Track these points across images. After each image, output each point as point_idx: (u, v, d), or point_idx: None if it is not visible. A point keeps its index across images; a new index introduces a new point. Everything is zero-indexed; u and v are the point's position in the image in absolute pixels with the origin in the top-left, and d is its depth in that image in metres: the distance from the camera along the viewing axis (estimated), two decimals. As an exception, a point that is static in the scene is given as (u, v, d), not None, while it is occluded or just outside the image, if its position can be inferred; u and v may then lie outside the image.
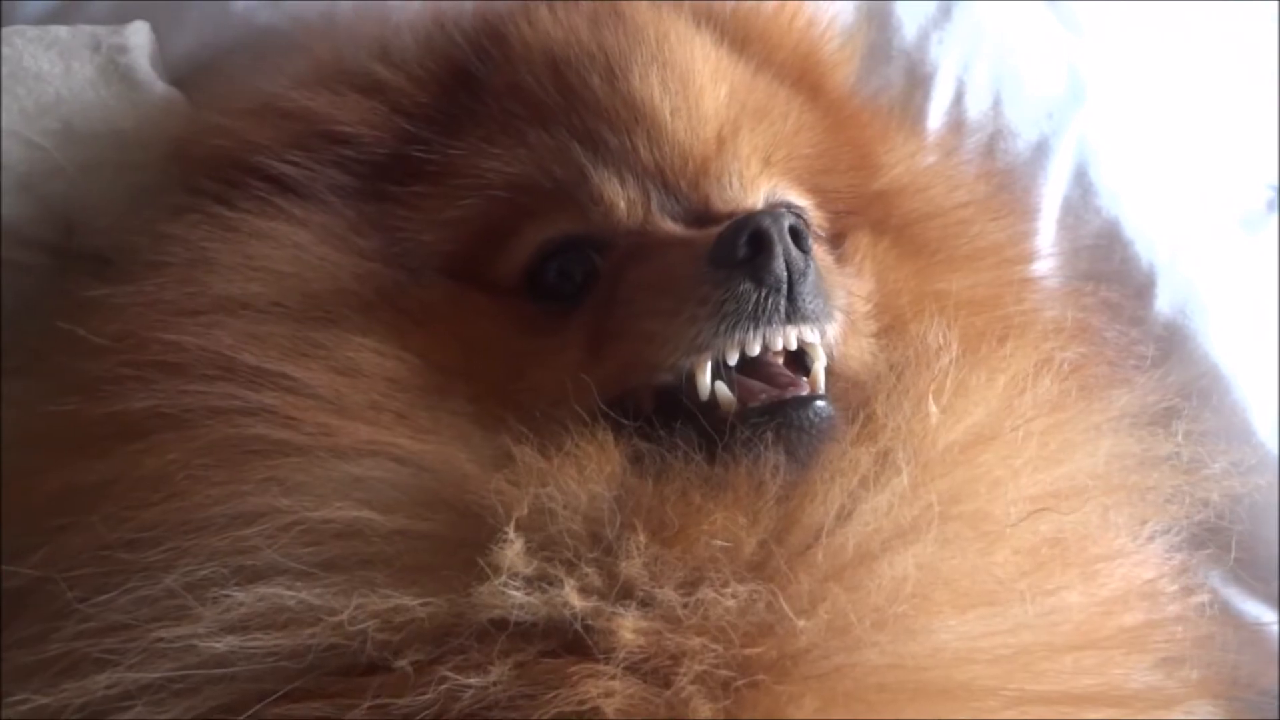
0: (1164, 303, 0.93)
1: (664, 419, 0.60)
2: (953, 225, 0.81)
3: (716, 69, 0.72)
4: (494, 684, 0.52)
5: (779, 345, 0.61)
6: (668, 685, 0.52)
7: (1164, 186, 0.99)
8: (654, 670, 0.53)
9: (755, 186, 0.70)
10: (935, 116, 0.94)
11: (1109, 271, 0.93)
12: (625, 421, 0.60)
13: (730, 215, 0.67)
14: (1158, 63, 1.13)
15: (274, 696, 0.53)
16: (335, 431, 0.59)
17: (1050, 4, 1.08)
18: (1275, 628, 0.89)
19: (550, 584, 0.54)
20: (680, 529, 0.55)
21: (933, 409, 0.61)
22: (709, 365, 0.60)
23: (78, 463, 0.60)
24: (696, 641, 0.53)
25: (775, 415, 0.59)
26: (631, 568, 0.54)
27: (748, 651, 0.53)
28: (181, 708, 0.54)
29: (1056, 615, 0.60)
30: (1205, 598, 0.78)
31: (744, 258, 0.60)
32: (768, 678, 0.53)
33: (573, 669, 0.52)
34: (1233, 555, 0.79)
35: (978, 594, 0.57)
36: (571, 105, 0.70)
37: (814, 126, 0.76)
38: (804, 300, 0.61)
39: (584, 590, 0.54)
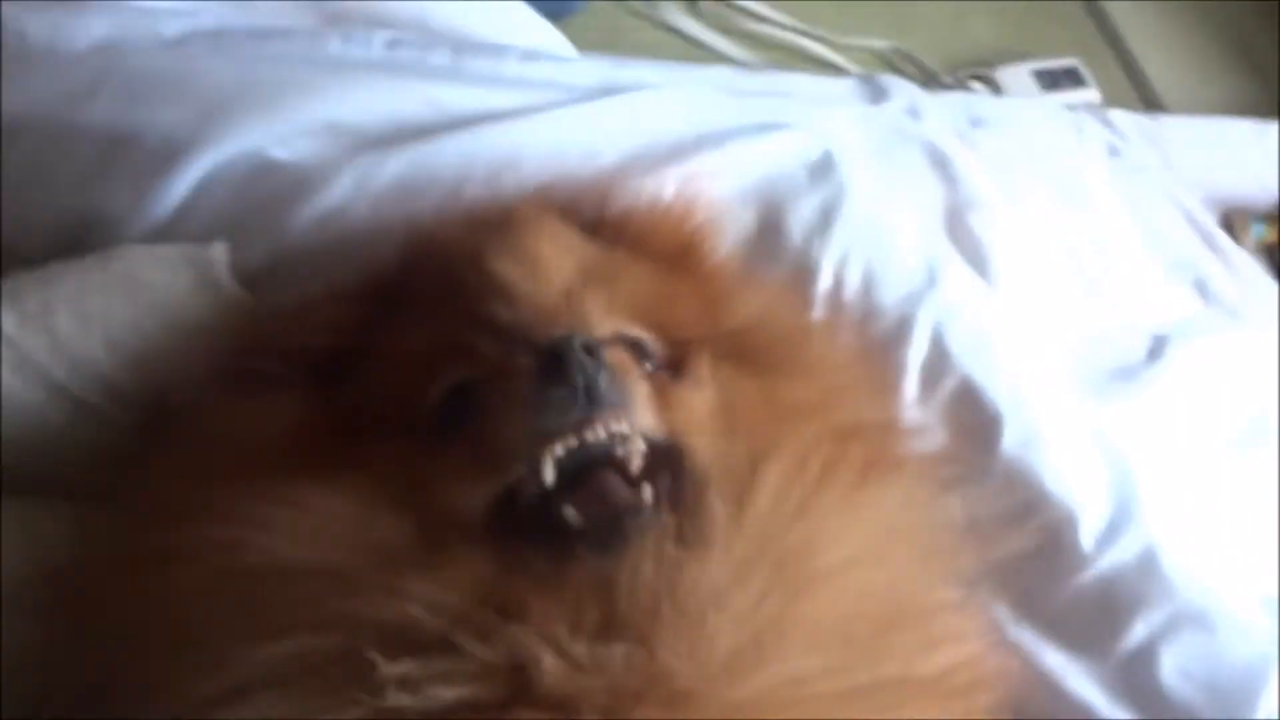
0: (1009, 440, 1.16)
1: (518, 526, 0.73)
2: (790, 348, 0.99)
3: (566, 248, 0.91)
4: None
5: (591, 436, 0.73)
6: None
7: (1011, 343, 1.25)
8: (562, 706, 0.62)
9: (602, 328, 0.82)
10: (819, 298, 1.21)
11: (965, 415, 1.18)
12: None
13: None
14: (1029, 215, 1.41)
15: None
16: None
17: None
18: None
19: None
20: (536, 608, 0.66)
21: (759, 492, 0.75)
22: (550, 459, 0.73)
23: None
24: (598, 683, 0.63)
25: (604, 524, 0.70)
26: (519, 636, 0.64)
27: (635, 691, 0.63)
28: None
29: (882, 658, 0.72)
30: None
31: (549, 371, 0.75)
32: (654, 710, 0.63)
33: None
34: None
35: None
36: (457, 294, 0.89)
37: (660, 283, 0.94)
38: (602, 393, 0.73)
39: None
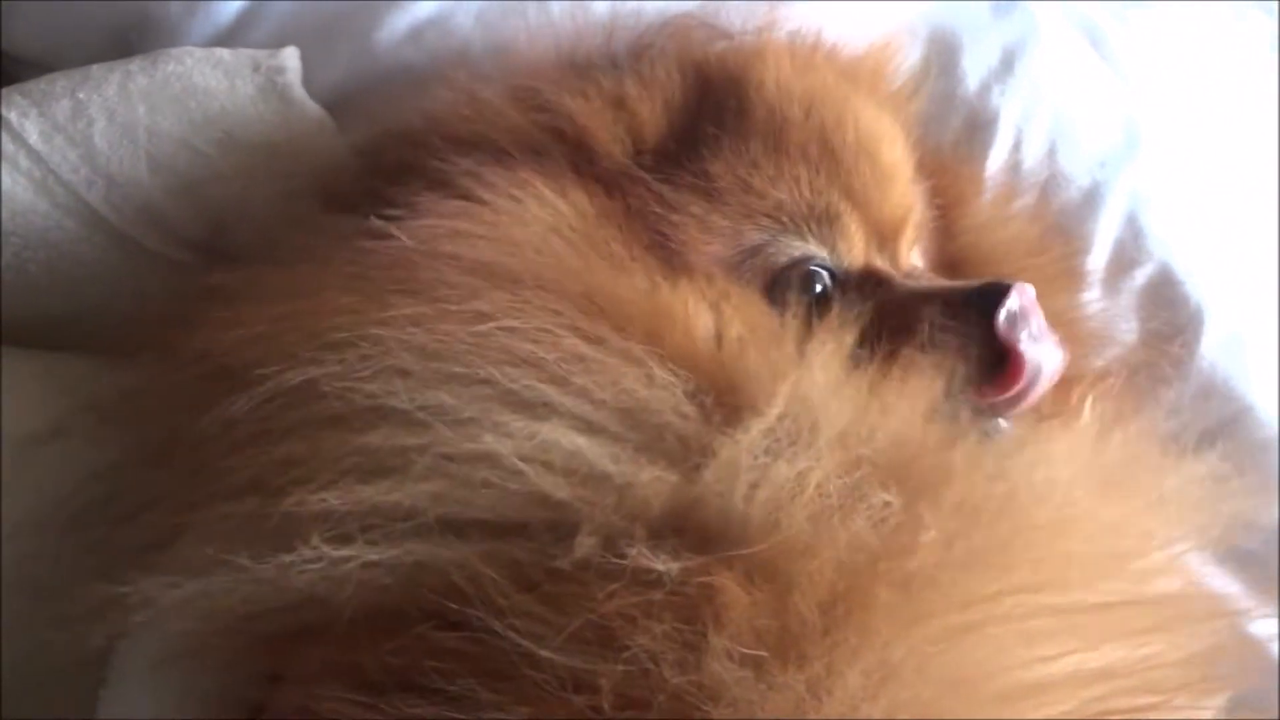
0: (1210, 341, 0.98)
1: None
2: (998, 260, 0.90)
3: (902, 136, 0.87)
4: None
5: None
6: None
7: (1212, 232, 1.05)
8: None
9: (910, 253, 0.85)
10: (994, 162, 1.02)
11: (1160, 310, 1.00)
12: None
13: (909, 274, 0.83)
14: (1213, 113, 1.20)
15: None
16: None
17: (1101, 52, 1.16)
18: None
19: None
20: None
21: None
22: None
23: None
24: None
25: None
26: None
27: None
28: (429, 543, 0.56)
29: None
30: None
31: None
32: None
33: None
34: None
35: None
36: (827, 151, 0.81)
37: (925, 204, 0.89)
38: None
39: None
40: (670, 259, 0.76)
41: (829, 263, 0.80)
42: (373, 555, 0.57)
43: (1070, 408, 0.77)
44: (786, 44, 0.90)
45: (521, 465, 0.57)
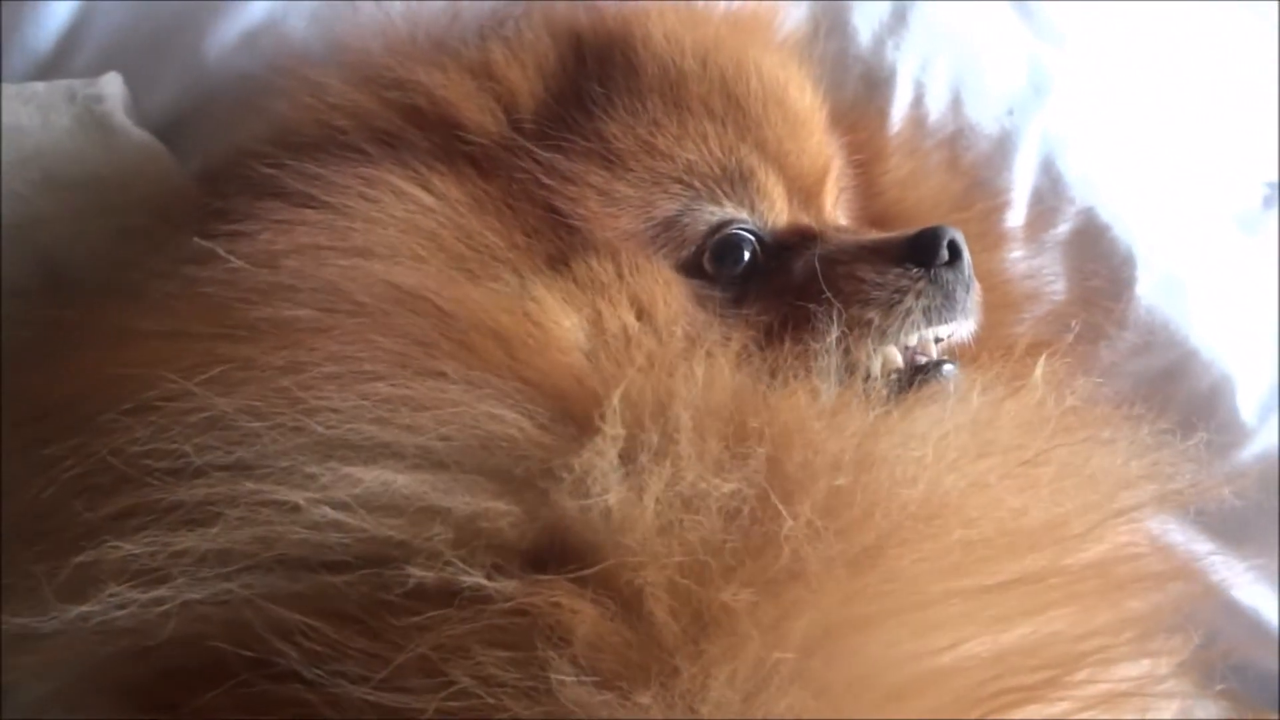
0: (1145, 286, 0.93)
1: None
2: (923, 217, 0.84)
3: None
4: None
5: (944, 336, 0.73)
6: None
7: (1139, 174, 0.99)
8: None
9: (834, 206, 0.81)
10: (897, 117, 0.96)
11: (1090, 263, 0.94)
12: None
13: (836, 229, 0.78)
14: (1139, 61, 1.14)
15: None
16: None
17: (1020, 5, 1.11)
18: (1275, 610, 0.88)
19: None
20: None
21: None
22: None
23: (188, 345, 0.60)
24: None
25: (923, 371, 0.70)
26: None
27: None
28: (251, 583, 0.54)
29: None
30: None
31: (944, 261, 0.71)
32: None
33: None
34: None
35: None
36: (731, 102, 0.75)
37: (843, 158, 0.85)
38: (970, 301, 0.73)
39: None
40: (569, 238, 0.70)
41: (751, 225, 0.75)
42: (192, 594, 0.54)
43: (1014, 371, 0.72)
44: (667, 2, 0.83)
45: (334, 514, 0.54)
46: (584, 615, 0.52)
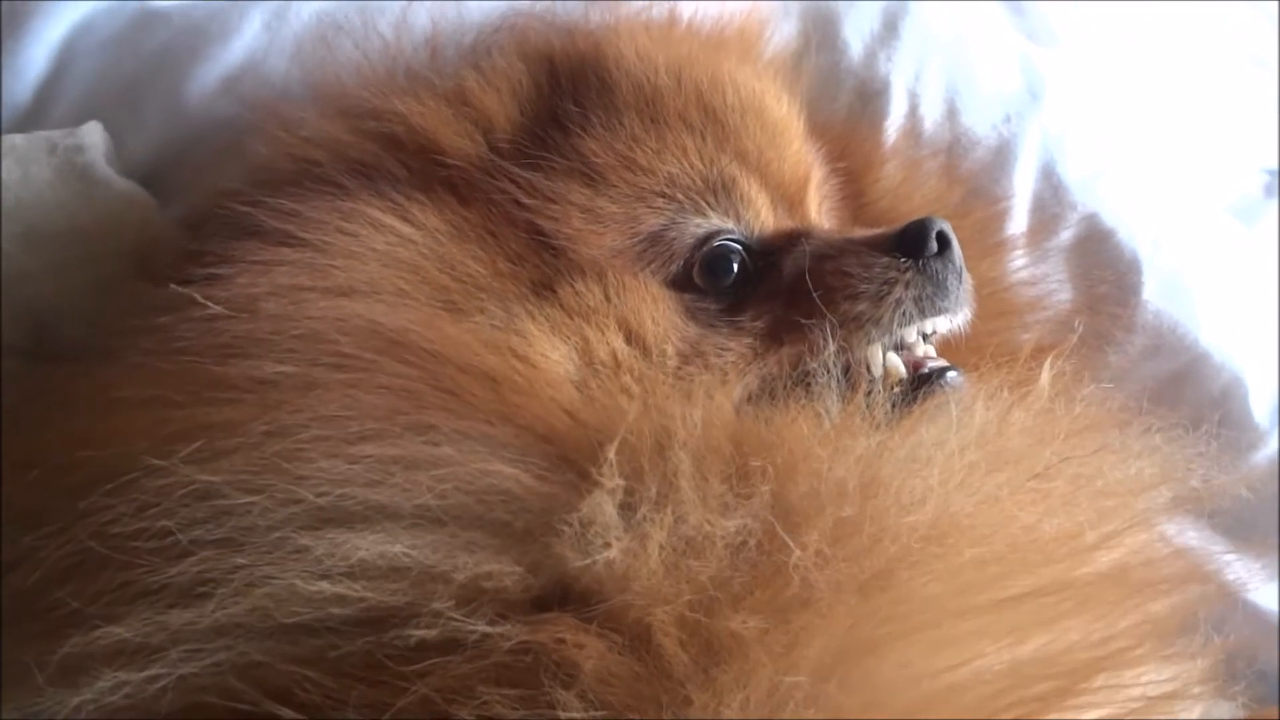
0: (1151, 290, 0.91)
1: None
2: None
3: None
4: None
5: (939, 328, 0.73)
6: None
7: (1139, 176, 0.98)
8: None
9: (818, 213, 0.80)
10: (893, 129, 0.94)
11: (1096, 269, 0.93)
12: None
13: (824, 229, 0.77)
14: (1134, 53, 1.13)
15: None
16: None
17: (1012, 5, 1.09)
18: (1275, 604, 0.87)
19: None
20: None
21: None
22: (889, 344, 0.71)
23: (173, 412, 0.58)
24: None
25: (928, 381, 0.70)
26: None
27: None
28: (247, 650, 0.53)
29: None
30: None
31: (933, 252, 0.71)
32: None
33: None
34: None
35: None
36: (709, 114, 0.75)
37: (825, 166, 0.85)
38: (962, 290, 0.72)
39: None
40: (554, 261, 0.69)
41: (738, 234, 0.74)
42: (189, 668, 0.53)
43: (1019, 377, 0.71)
44: (639, 20, 0.83)
45: (331, 589, 0.52)
46: (590, 649, 0.51)
